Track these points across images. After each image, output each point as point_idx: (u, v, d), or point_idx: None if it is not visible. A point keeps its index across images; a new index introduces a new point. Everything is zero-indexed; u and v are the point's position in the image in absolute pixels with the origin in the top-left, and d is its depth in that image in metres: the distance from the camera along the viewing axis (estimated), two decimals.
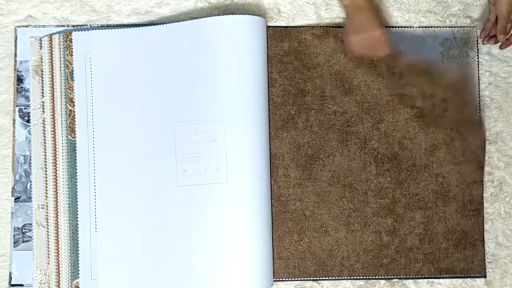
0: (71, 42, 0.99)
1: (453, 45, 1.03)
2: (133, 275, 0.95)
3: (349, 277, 0.98)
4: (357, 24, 0.96)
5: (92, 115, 0.98)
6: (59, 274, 0.96)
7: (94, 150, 0.97)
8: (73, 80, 0.98)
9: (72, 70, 0.98)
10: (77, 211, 0.97)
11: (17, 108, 1.00)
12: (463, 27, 1.03)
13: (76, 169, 0.97)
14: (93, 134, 0.97)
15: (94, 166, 0.97)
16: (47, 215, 0.97)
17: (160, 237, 0.96)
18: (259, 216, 0.95)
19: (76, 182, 0.97)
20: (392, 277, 0.98)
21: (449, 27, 1.03)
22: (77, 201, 0.97)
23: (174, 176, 0.96)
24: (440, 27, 1.03)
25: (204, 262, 0.95)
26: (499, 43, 1.00)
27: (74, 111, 0.98)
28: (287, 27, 1.02)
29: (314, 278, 0.99)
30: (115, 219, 0.96)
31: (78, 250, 0.96)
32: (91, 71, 0.98)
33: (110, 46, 0.98)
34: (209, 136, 0.96)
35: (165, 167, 0.96)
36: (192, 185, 0.96)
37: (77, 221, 0.97)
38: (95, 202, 0.97)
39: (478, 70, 1.02)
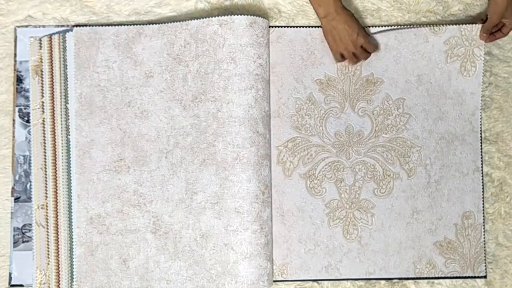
0: None
1: (459, 43, 1.02)
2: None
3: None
4: (336, 35, 0.97)
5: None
6: (59, 274, 0.96)
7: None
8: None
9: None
10: None
11: (16, 108, 1.00)
12: (471, 23, 1.02)
13: None
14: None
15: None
16: (47, 215, 0.97)
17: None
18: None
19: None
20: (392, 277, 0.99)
21: (456, 23, 1.03)
22: None
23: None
24: (445, 24, 1.03)
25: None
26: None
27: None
28: (287, 26, 1.02)
29: (314, 278, 0.99)
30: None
31: None
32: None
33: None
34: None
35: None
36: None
37: None
38: None
39: None
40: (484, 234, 1.00)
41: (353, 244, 0.99)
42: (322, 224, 1.00)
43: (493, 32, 0.99)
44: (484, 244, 1.00)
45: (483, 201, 1.00)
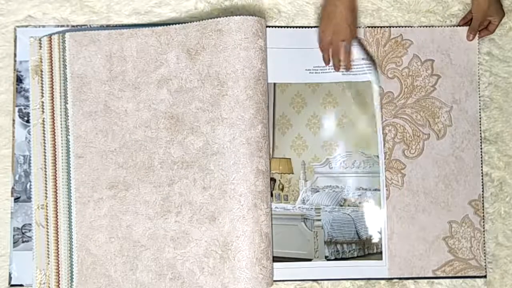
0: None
1: None
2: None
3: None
4: (332, 15, 0.97)
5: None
6: (59, 274, 0.96)
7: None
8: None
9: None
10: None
11: (16, 108, 1.00)
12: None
13: None
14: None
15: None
16: (47, 215, 0.97)
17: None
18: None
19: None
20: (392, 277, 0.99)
21: (449, 26, 1.03)
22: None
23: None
24: (441, 26, 1.03)
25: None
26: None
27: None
28: (287, 27, 1.02)
29: (314, 278, 0.99)
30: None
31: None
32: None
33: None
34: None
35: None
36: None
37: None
38: None
39: (478, 70, 1.02)
40: (484, 234, 1.00)
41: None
42: None
43: (479, 30, 1.02)
44: (484, 243, 1.00)
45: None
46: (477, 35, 1.02)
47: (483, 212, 1.00)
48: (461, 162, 1.01)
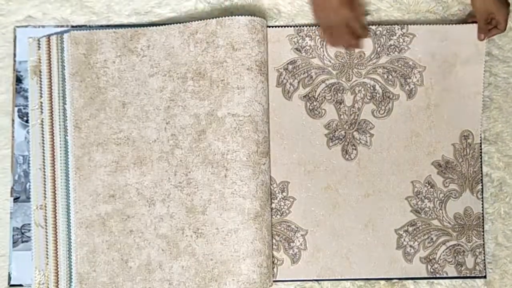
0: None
1: None
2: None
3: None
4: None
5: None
6: (58, 274, 0.96)
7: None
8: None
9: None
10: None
11: (16, 108, 1.00)
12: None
13: None
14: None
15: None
16: (46, 216, 0.97)
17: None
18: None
19: None
20: (392, 277, 0.99)
21: (448, 24, 1.03)
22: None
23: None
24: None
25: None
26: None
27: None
28: (287, 26, 1.02)
29: (315, 278, 0.99)
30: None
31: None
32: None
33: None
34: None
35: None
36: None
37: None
38: None
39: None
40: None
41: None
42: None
43: (489, 29, 0.99)
44: (484, 243, 1.00)
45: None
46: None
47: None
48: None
